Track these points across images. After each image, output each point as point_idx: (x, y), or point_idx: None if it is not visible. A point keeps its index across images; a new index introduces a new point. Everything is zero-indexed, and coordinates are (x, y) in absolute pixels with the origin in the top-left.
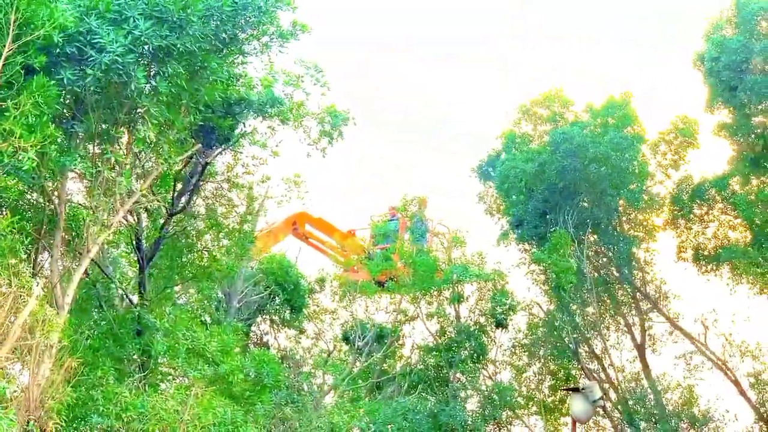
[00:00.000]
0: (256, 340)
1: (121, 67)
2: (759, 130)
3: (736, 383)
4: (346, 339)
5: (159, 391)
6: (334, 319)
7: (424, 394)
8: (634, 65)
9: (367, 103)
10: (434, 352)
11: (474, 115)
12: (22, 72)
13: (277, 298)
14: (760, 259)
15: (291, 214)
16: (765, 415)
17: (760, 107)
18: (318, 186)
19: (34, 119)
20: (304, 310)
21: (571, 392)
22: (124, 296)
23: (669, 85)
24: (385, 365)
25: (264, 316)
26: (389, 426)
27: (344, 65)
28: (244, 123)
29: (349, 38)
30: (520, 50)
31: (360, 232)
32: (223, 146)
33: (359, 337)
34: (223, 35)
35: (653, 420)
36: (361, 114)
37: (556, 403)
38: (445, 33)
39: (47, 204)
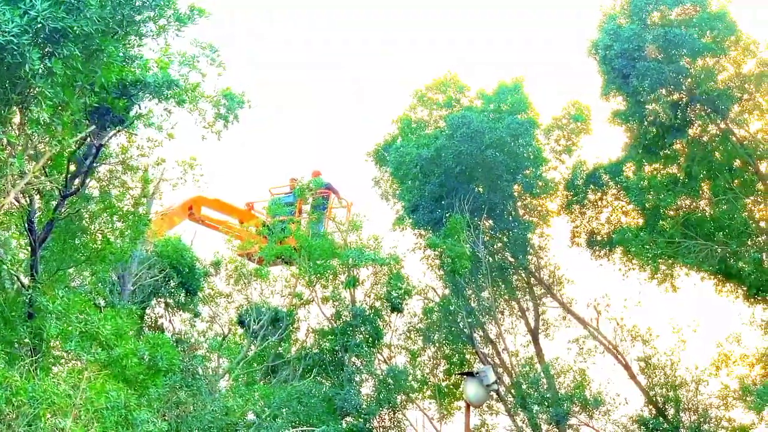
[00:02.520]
0: (150, 323)
1: (16, 47)
2: (651, 117)
3: (627, 367)
4: (241, 323)
5: (51, 375)
6: (229, 302)
7: (319, 378)
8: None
9: None
10: (329, 336)
11: None
12: None
13: (171, 281)
14: (651, 244)
15: (187, 198)
16: (654, 398)
17: (652, 95)
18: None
19: None
20: (199, 293)
21: (465, 376)
22: (16, 279)
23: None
24: (280, 349)
25: (159, 300)
26: (284, 410)
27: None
28: (139, 105)
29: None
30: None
31: (259, 205)
32: (117, 128)
33: (254, 321)
34: (120, 17)
35: (546, 403)
36: None
37: (451, 387)
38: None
39: None
